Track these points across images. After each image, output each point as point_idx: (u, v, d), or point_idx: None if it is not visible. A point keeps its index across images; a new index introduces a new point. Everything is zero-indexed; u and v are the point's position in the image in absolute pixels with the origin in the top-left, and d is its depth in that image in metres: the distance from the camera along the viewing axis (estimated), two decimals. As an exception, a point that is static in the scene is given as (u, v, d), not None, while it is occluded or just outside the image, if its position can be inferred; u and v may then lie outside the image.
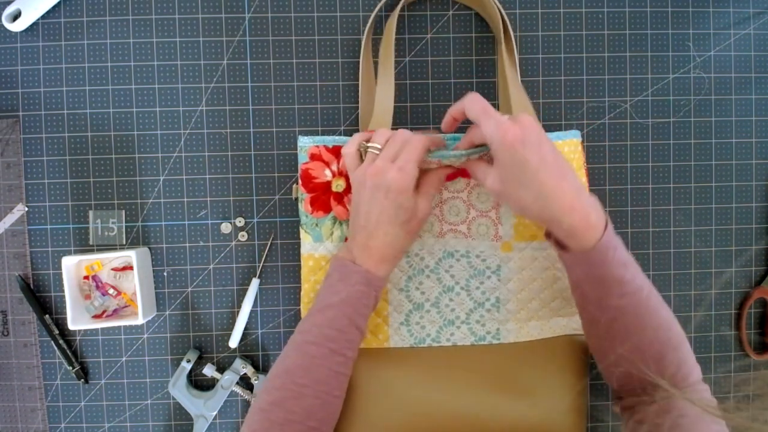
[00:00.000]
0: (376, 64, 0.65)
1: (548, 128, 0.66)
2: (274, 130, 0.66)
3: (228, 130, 0.66)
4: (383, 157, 0.53)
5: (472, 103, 0.51)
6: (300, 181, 0.60)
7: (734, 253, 0.69)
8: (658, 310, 0.52)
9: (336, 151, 0.59)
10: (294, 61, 0.66)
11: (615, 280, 0.51)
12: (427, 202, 0.55)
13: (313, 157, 0.59)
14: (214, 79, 0.65)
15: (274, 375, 0.53)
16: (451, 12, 0.66)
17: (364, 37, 0.64)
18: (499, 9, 0.62)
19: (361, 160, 0.55)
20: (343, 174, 0.59)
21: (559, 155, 0.50)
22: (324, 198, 0.60)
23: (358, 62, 0.65)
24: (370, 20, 0.63)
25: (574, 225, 0.49)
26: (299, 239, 0.61)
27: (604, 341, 0.54)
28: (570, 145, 0.60)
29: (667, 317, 0.53)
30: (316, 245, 0.60)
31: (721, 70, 0.68)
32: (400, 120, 0.66)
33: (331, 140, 0.59)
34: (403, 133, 0.54)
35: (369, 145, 0.54)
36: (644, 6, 0.67)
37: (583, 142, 0.63)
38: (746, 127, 0.69)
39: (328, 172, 0.60)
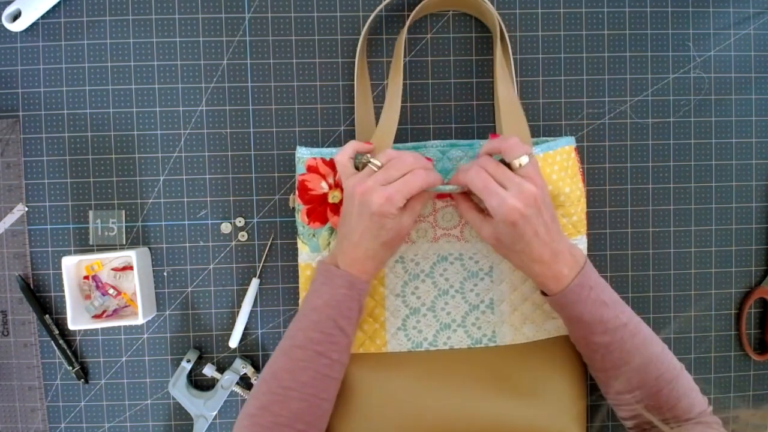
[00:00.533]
0: (371, 64, 0.65)
1: (548, 128, 0.67)
2: (274, 130, 0.66)
3: (228, 130, 0.66)
4: (376, 178, 0.52)
5: (475, 180, 0.52)
6: (297, 192, 0.60)
7: (734, 253, 0.69)
8: (646, 345, 0.53)
9: (333, 164, 0.59)
10: (294, 61, 0.65)
11: (594, 318, 0.53)
12: (411, 219, 0.55)
13: (310, 168, 0.60)
14: (214, 79, 0.65)
15: (262, 380, 0.54)
16: (451, 12, 0.66)
17: (360, 42, 0.63)
18: (494, 13, 0.62)
19: (358, 169, 0.56)
20: (339, 186, 0.59)
21: (551, 222, 0.52)
22: (320, 209, 0.60)
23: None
24: (369, 22, 0.63)
25: (546, 279, 0.54)
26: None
27: (602, 378, 0.56)
28: (562, 153, 0.59)
29: (657, 352, 0.54)
30: (314, 255, 0.61)
31: (721, 70, 0.68)
32: (400, 120, 0.66)
33: (328, 152, 0.60)
34: (406, 160, 0.53)
35: (371, 160, 0.54)
36: (644, 6, 0.67)
37: (577, 148, 0.62)
38: (746, 127, 0.69)
39: (324, 185, 0.60)
